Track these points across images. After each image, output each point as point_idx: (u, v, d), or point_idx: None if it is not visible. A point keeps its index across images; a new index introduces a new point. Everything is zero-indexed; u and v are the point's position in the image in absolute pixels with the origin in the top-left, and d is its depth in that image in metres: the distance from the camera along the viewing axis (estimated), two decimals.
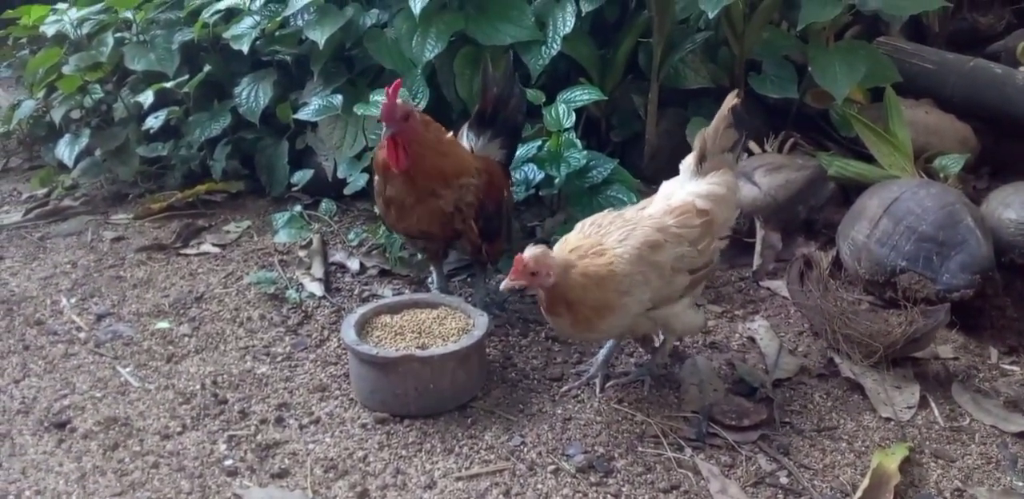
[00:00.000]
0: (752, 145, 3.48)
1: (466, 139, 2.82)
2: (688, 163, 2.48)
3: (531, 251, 2.16)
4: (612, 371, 2.59)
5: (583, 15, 3.43)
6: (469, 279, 3.13)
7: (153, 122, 3.81)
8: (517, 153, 3.17)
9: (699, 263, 2.35)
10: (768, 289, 3.06)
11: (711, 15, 3.17)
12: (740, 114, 2.48)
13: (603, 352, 2.60)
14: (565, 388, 2.53)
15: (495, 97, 2.80)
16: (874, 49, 3.51)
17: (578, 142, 3.17)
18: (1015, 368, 2.57)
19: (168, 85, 3.75)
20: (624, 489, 2.14)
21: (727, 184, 2.44)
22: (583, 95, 3.31)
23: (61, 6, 4.11)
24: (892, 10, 3.48)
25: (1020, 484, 2.13)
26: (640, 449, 2.28)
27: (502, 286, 2.18)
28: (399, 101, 2.43)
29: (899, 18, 3.79)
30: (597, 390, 2.51)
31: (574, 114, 3.21)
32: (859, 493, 2.07)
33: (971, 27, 4.11)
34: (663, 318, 2.36)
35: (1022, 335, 2.70)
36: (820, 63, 3.31)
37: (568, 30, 3.40)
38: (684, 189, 2.43)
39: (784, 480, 2.16)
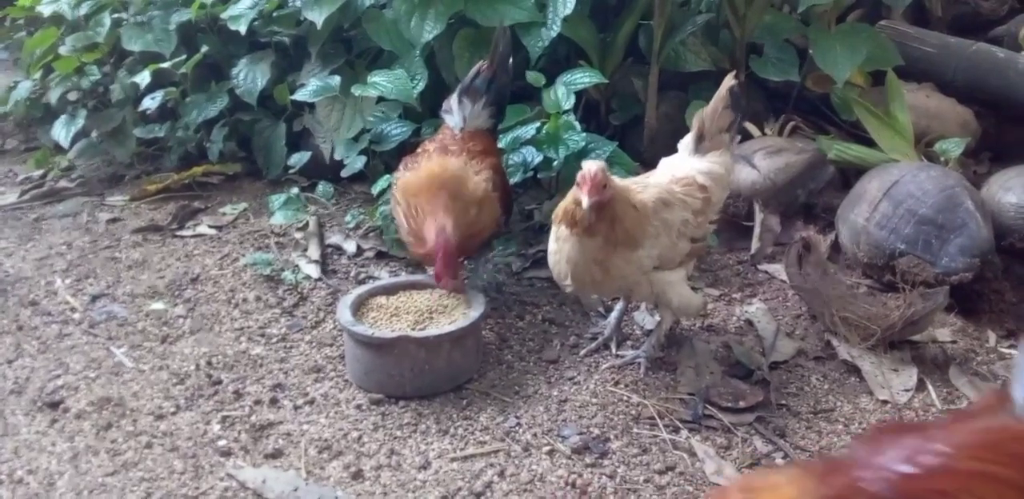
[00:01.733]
0: (752, 128, 3.46)
1: (457, 106, 2.81)
2: (687, 142, 2.52)
3: (596, 164, 2.13)
4: (622, 333, 2.67)
5: None
6: (466, 261, 3.11)
7: (150, 103, 3.79)
8: (515, 134, 3.16)
9: (698, 234, 2.40)
10: (766, 272, 3.05)
11: None
12: (737, 95, 2.50)
13: (613, 315, 2.67)
14: (583, 352, 2.59)
15: (501, 58, 2.83)
16: (876, 32, 3.49)
17: (577, 124, 3.15)
18: (1012, 351, 2.56)
19: (165, 66, 3.72)
20: (619, 470, 2.13)
21: (724, 165, 2.49)
22: (583, 78, 3.28)
23: None
24: None
25: None
26: (636, 430, 2.27)
27: (585, 204, 2.10)
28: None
29: (902, 2, 3.76)
30: (613, 349, 2.59)
31: (574, 96, 3.19)
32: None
33: (974, 11, 4.08)
34: (660, 285, 2.36)
35: (1020, 319, 2.69)
36: (821, 46, 3.29)
37: (568, 12, 3.36)
38: (686, 164, 2.47)
39: (780, 462, 2.15)
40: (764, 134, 3.48)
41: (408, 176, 2.64)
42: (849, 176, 3.27)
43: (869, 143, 3.36)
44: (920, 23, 3.90)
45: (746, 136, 3.37)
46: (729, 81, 2.47)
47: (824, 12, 3.45)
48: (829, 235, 3.05)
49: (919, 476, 1.15)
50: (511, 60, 2.95)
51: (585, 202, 2.11)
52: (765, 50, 3.52)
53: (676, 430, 2.27)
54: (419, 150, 2.79)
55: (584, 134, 3.12)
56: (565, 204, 2.25)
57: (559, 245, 2.31)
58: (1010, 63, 3.47)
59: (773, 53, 3.50)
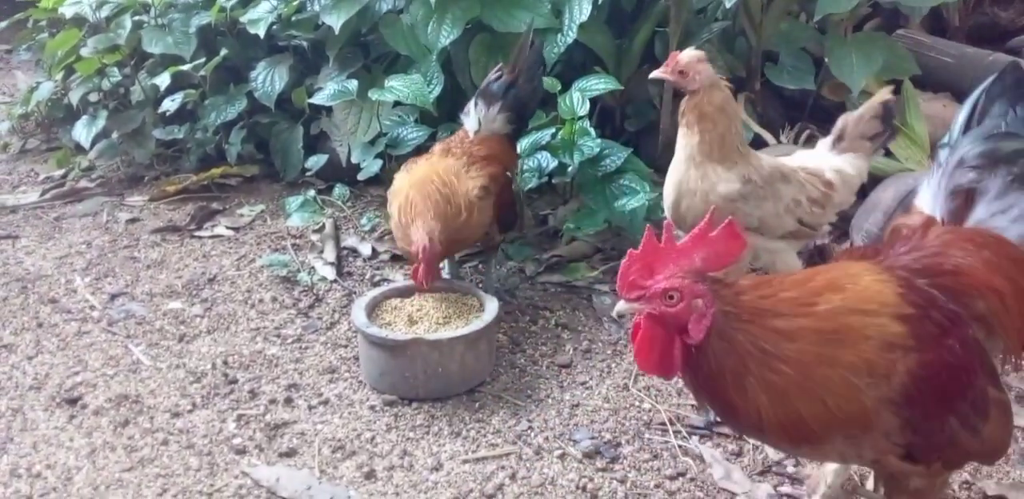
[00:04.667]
0: (767, 136, 3.47)
1: (474, 109, 2.83)
2: (826, 140, 2.62)
3: (688, 52, 2.36)
4: None
5: (600, 3, 3.41)
6: (480, 265, 3.13)
7: (169, 105, 3.83)
8: (531, 140, 3.18)
9: (809, 220, 2.49)
10: None
11: (728, 5, 3.16)
12: (891, 110, 2.57)
13: None
14: None
15: (525, 65, 2.86)
16: (892, 42, 3.49)
17: (592, 130, 3.16)
18: None
19: (185, 68, 3.76)
20: (630, 475, 2.15)
21: (857, 169, 2.58)
22: (598, 84, 3.30)
23: None
24: (911, 2, 3.45)
25: None
26: (647, 436, 2.29)
27: (653, 74, 2.38)
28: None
29: (919, 11, 3.76)
30: None
31: (588, 102, 3.21)
32: (868, 483, 2.07)
33: (992, 21, 4.08)
34: (770, 253, 2.49)
35: None
36: (837, 55, 3.29)
37: (584, 18, 3.38)
38: (821, 158, 2.58)
39: (791, 469, 2.16)
40: (779, 142, 3.49)
41: (403, 175, 2.66)
42: (864, 185, 3.26)
43: (885, 152, 3.35)
44: (937, 33, 3.90)
45: (761, 144, 3.38)
46: (885, 94, 2.55)
47: (841, 21, 3.45)
48: (843, 244, 3.06)
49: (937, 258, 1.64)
50: (540, 69, 2.96)
51: (655, 72, 2.38)
52: (781, 58, 3.53)
53: (687, 436, 2.28)
54: (427, 152, 2.82)
55: (599, 140, 3.13)
56: None
57: (672, 167, 2.45)
58: None
59: (789, 61, 3.51)
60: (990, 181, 1.75)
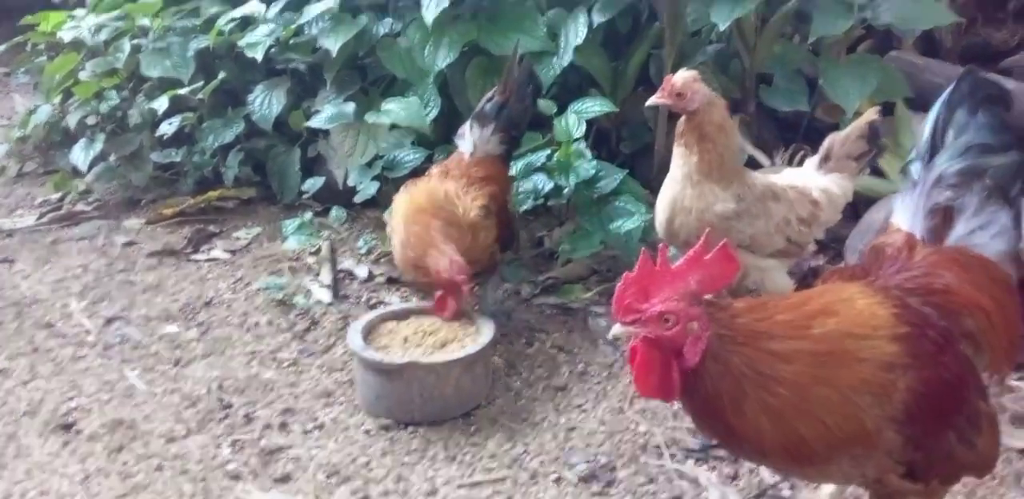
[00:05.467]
0: (761, 157, 3.48)
1: (469, 131, 2.85)
2: (813, 160, 2.66)
3: (681, 73, 2.39)
4: None
5: (595, 26, 3.44)
6: (476, 288, 3.13)
7: (167, 128, 3.84)
8: (526, 161, 3.19)
9: (797, 239, 2.52)
10: None
11: (722, 27, 3.18)
12: (877, 131, 2.60)
13: None
14: None
15: (515, 86, 2.89)
16: (885, 64, 3.50)
17: (587, 152, 3.17)
18: (1021, 384, 2.55)
19: (183, 92, 3.78)
20: None
21: (843, 188, 2.61)
22: (594, 106, 3.32)
23: (79, 12, 4.16)
24: (904, 24, 3.47)
25: None
26: (643, 459, 2.28)
27: (649, 101, 2.40)
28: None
29: (912, 33, 3.78)
30: None
31: (584, 124, 3.22)
32: None
33: (984, 42, 4.10)
34: (760, 270, 2.50)
35: None
36: (831, 76, 3.31)
37: (580, 41, 3.40)
38: (808, 177, 2.61)
39: (787, 492, 2.15)
40: (774, 163, 3.50)
41: (402, 200, 2.67)
42: (858, 206, 3.27)
43: (878, 173, 3.37)
44: (930, 54, 3.92)
45: (755, 165, 3.39)
46: (871, 115, 2.59)
47: (834, 43, 3.47)
48: (838, 265, 3.06)
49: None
50: (529, 89, 2.99)
51: (652, 99, 2.41)
52: (775, 80, 3.54)
53: (683, 460, 2.27)
54: (425, 174, 2.83)
55: (594, 162, 3.14)
56: None
57: (666, 184, 2.48)
58: (1020, 95, 3.47)
59: (783, 83, 3.52)
60: (967, 198, 1.77)
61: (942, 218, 1.79)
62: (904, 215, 1.84)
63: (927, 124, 1.85)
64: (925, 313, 1.59)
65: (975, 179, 1.77)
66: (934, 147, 1.82)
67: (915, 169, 1.84)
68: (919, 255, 1.73)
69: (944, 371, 1.54)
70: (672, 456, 2.28)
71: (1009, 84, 3.53)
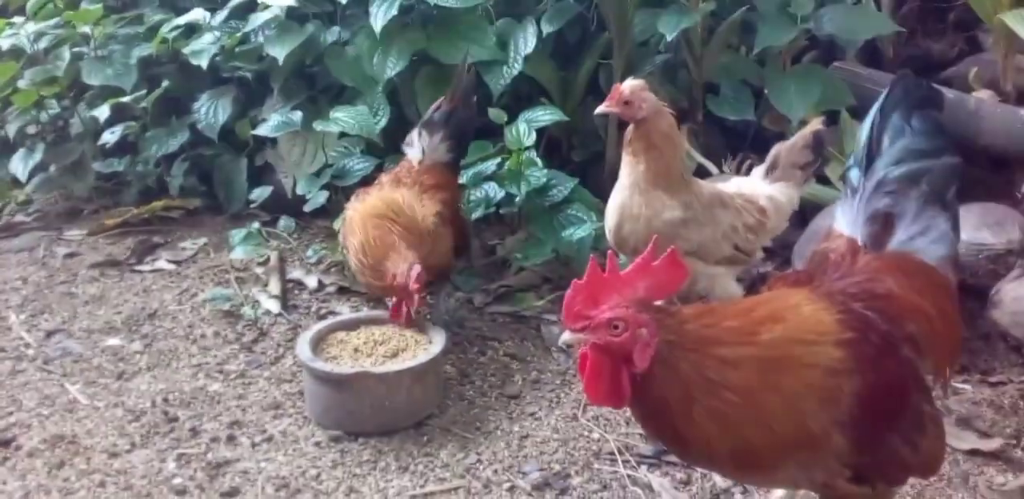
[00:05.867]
0: (710, 165, 3.52)
1: (417, 139, 2.85)
2: (760, 169, 2.69)
3: (629, 82, 2.40)
4: None
5: (544, 36, 3.46)
6: (428, 297, 3.11)
7: (109, 137, 3.77)
8: (477, 170, 3.19)
9: (745, 247, 2.54)
10: None
11: (669, 38, 3.22)
12: (821, 140, 2.65)
13: None
14: None
15: (462, 94, 2.90)
16: (829, 73, 3.57)
17: (538, 161, 3.19)
18: (966, 387, 2.61)
19: (125, 100, 3.71)
20: None
21: (789, 197, 2.65)
22: (544, 115, 3.33)
23: (18, 20, 4.06)
24: (846, 34, 3.55)
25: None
26: (596, 466, 2.27)
27: (597, 110, 2.42)
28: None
29: (854, 43, 3.86)
30: None
31: (535, 133, 3.23)
32: None
33: (925, 53, 4.20)
34: (708, 277, 2.52)
35: (974, 354, 2.74)
36: (776, 86, 3.37)
37: (529, 50, 3.42)
38: (755, 185, 2.64)
39: (739, 497, 2.15)
40: (722, 172, 3.54)
41: (359, 207, 2.65)
42: (806, 213, 3.32)
43: (825, 181, 3.42)
44: (873, 64, 4.00)
45: (704, 174, 3.43)
46: (815, 125, 2.64)
47: (779, 53, 3.53)
48: (791, 271, 3.10)
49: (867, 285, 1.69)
50: (475, 97, 3.00)
51: (600, 107, 2.42)
52: (722, 90, 3.59)
53: (636, 466, 2.27)
54: (375, 183, 2.82)
55: (545, 170, 3.16)
56: None
57: (615, 192, 2.49)
58: (960, 104, 3.56)
59: (730, 93, 3.57)
60: (906, 204, 1.80)
61: (882, 224, 1.81)
62: (846, 221, 1.86)
63: (863, 130, 1.88)
64: (869, 318, 1.61)
65: (913, 185, 1.80)
66: (870, 153, 1.85)
67: (854, 175, 1.87)
68: (861, 261, 1.76)
69: (887, 375, 1.56)
70: (625, 462, 2.28)
71: (949, 94, 3.63)
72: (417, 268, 2.44)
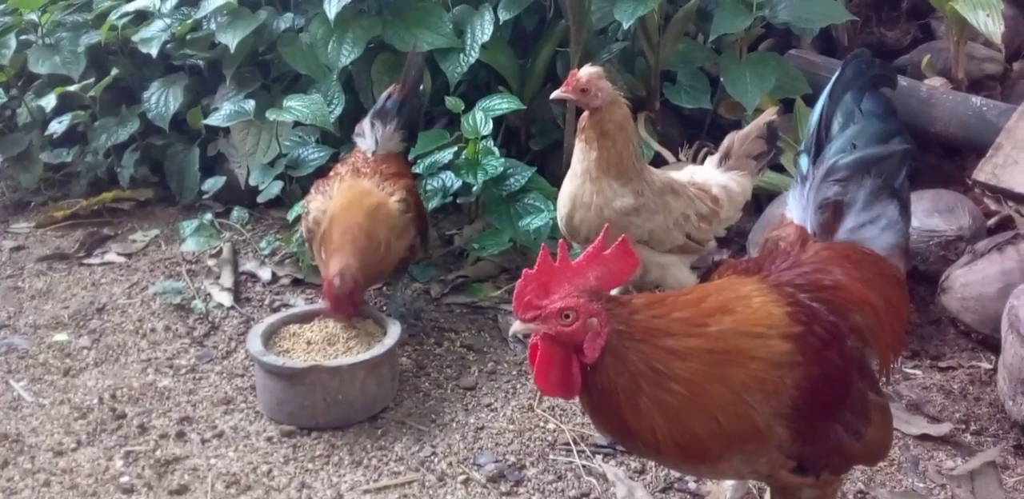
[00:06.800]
0: (667, 154, 3.51)
1: (370, 129, 2.82)
2: (714, 158, 2.69)
3: (587, 69, 2.38)
4: None
5: (501, 23, 3.42)
6: (385, 288, 3.08)
7: (57, 127, 3.68)
8: (432, 159, 3.16)
9: (697, 236, 2.55)
10: None
11: (626, 26, 3.20)
12: (775, 130, 2.67)
13: None
14: None
15: (412, 82, 2.88)
16: (784, 61, 3.58)
17: (496, 150, 3.16)
18: (917, 372, 2.63)
19: (73, 89, 3.62)
20: (534, 497, 2.12)
21: (742, 186, 2.66)
22: (501, 104, 3.30)
23: None
24: (801, 23, 3.55)
25: (920, 485, 2.17)
26: (552, 457, 2.26)
27: (553, 95, 2.39)
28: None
29: (809, 32, 3.87)
30: None
31: (492, 122, 3.20)
32: (767, 496, 2.08)
33: (878, 41, 4.22)
34: (660, 267, 2.53)
35: (924, 339, 2.77)
36: (732, 74, 3.36)
37: (486, 38, 3.38)
38: (708, 173, 2.64)
39: (692, 485, 2.16)
40: (679, 160, 3.54)
41: (322, 201, 2.61)
42: (761, 201, 3.33)
43: (779, 169, 3.43)
44: (828, 52, 4.02)
45: (660, 162, 3.42)
46: (770, 115, 2.65)
47: (735, 41, 3.53)
48: (741, 259, 3.10)
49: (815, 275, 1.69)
50: (423, 85, 2.97)
51: (556, 92, 2.39)
52: (679, 78, 3.58)
53: (591, 456, 2.27)
54: (331, 173, 2.77)
55: (503, 159, 3.13)
56: None
57: (567, 180, 2.49)
58: (912, 91, 3.59)
59: (686, 81, 3.57)
60: (856, 192, 1.80)
61: (832, 212, 1.81)
62: (796, 209, 1.86)
63: (812, 116, 1.88)
64: (814, 309, 1.61)
65: (862, 173, 1.80)
66: (819, 140, 1.84)
67: (803, 162, 1.86)
68: (810, 250, 1.75)
69: (829, 367, 1.55)
70: (581, 452, 2.28)
71: (903, 82, 3.65)
72: (334, 276, 2.40)
